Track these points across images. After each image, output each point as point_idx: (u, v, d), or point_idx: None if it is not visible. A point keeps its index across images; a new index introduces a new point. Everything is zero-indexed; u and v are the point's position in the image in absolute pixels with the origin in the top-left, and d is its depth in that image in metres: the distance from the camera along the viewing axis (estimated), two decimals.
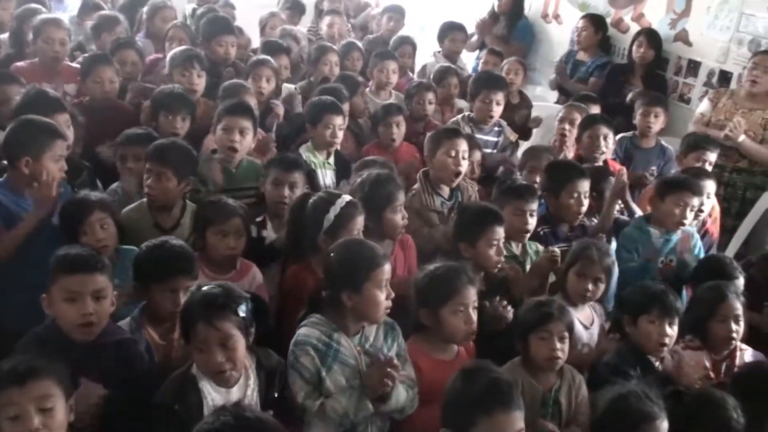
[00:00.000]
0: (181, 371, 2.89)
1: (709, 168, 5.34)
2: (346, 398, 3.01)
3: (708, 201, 4.94)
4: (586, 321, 3.92)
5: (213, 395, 2.82)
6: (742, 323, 3.77)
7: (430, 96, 5.88)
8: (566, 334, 3.35)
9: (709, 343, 3.76)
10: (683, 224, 4.56)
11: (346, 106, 5.29)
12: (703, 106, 6.31)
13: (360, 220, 3.70)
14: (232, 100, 4.74)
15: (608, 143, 5.37)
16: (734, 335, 3.74)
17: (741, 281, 4.20)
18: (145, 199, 4.01)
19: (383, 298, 3.09)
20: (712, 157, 5.38)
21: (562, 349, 3.32)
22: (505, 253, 3.96)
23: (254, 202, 4.30)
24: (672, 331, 3.56)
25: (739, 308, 3.76)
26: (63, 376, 2.54)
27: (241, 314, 2.80)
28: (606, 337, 3.82)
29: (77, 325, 2.86)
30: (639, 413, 2.88)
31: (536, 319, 3.36)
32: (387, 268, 3.14)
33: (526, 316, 3.43)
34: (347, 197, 3.72)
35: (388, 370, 2.95)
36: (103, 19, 6.32)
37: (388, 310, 3.16)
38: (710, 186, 4.92)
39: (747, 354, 3.86)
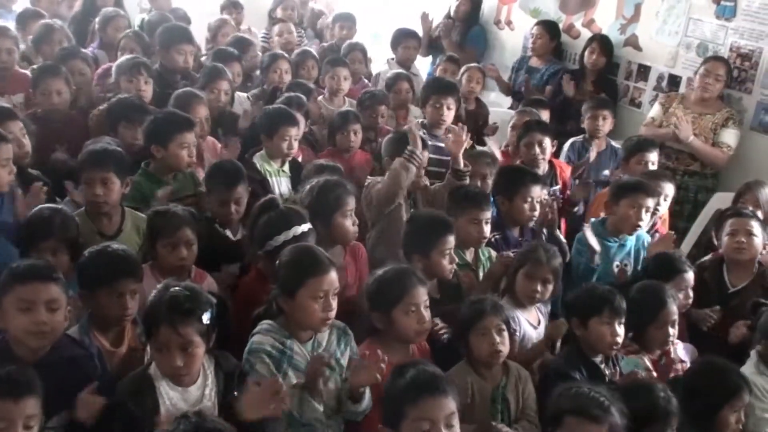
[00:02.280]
0: (139, 371, 2.91)
1: (652, 167, 5.40)
2: (289, 398, 3.00)
3: (665, 203, 5.02)
4: (534, 321, 3.96)
5: (170, 394, 2.84)
6: (677, 326, 3.85)
7: (383, 109, 5.90)
8: (504, 327, 3.40)
9: (646, 344, 3.84)
10: (639, 226, 4.60)
11: (302, 113, 5.32)
12: (654, 111, 6.42)
13: None
14: (176, 116, 4.68)
15: (544, 149, 5.33)
16: (670, 339, 3.81)
17: (690, 275, 4.25)
18: (83, 209, 3.97)
19: (317, 309, 3.08)
20: (653, 157, 5.44)
21: (502, 342, 3.37)
22: (457, 260, 3.98)
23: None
24: (621, 330, 3.60)
25: (675, 312, 3.83)
26: (42, 397, 2.54)
27: (205, 321, 2.83)
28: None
29: (28, 332, 2.81)
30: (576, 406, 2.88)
31: (471, 317, 3.41)
32: (328, 278, 3.12)
33: (462, 316, 3.47)
34: (299, 229, 3.68)
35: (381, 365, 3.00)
36: (41, 30, 6.22)
37: (328, 322, 3.15)
38: (669, 189, 5.00)
39: (679, 348, 3.95)
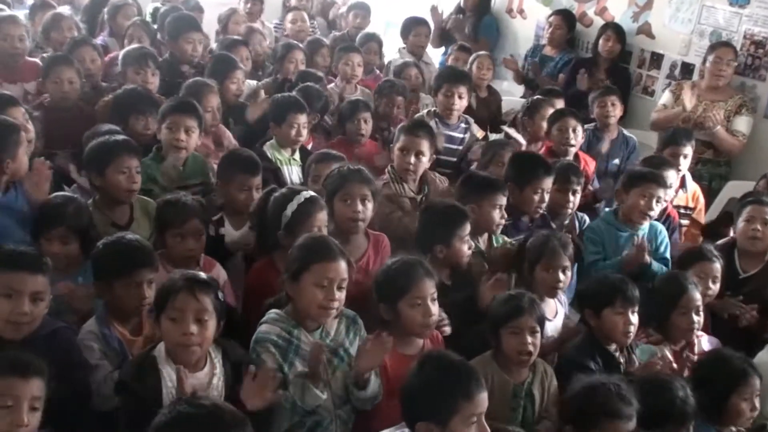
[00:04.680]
0: (143, 352, 2.92)
1: (685, 161, 5.37)
2: (291, 386, 3.00)
3: (668, 190, 4.96)
4: (550, 313, 3.90)
5: (172, 377, 2.82)
6: (702, 313, 3.80)
7: (399, 100, 5.88)
8: (537, 327, 3.35)
9: (670, 334, 3.80)
10: (650, 216, 4.57)
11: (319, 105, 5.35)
12: (665, 98, 6.41)
13: (320, 217, 3.68)
14: (176, 100, 4.72)
15: (577, 136, 5.38)
16: (695, 326, 3.77)
17: (716, 266, 4.20)
18: (92, 200, 3.97)
19: (319, 297, 3.05)
20: (687, 150, 5.39)
21: (534, 343, 3.32)
22: (473, 247, 3.96)
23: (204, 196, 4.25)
24: (634, 318, 3.58)
25: (698, 299, 3.79)
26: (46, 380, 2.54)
27: (220, 297, 2.87)
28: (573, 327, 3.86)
29: (7, 321, 2.82)
30: (608, 408, 2.92)
31: (507, 313, 3.35)
32: (335, 266, 3.08)
33: (497, 310, 3.42)
34: (307, 193, 3.70)
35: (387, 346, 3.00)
36: (48, 19, 6.20)
37: (332, 312, 3.11)
38: (671, 176, 4.96)
39: (704, 340, 3.91)
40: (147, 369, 2.82)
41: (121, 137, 4.13)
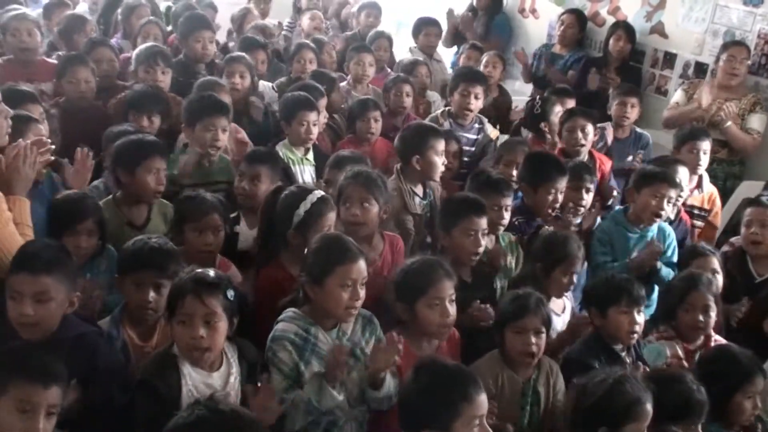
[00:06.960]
0: (163, 350, 2.92)
1: (704, 157, 5.34)
2: (308, 385, 3.00)
3: (682, 190, 4.95)
4: (558, 308, 3.93)
5: (193, 376, 2.83)
6: (712, 314, 3.79)
7: (408, 89, 5.89)
8: (543, 328, 3.35)
9: (680, 331, 3.80)
10: (660, 216, 4.55)
11: (323, 102, 5.31)
12: (677, 96, 6.40)
13: (331, 216, 3.68)
14: (209, 99, 4.73)
15: (587, 135, 5.33)
16: (701, 325, 3.77)
17: (714, 259, 4.25)
18: (110, 197, 4.00)
19: (345, 298, 3.05)
20: (705, 145, 5.36)
21: (537, 344, 3.32)
22: (483, 244, 3.91)
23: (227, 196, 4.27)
24: (640, 318, 3.58)
25: (709, 299, 3.78)
26: (65, 387, 2.55)
27: (230, 297, 2.84)
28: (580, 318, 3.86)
29: (17, 323, 2.82)
30: (634, 397, 2.91)
31: (512, 313, 3.36)
32: (357, 267, 3.09)
33: (503, 309, 3.43)
34: (318, 193, 3.69)
35: (398, 347, 2.99)
36: (70, 20, 6.24)
37: (354, 311, 3.12)
38: (683, 173, 4.93)
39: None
40: (168, 367, 2.82)
41: (152, 138, 4.16)
